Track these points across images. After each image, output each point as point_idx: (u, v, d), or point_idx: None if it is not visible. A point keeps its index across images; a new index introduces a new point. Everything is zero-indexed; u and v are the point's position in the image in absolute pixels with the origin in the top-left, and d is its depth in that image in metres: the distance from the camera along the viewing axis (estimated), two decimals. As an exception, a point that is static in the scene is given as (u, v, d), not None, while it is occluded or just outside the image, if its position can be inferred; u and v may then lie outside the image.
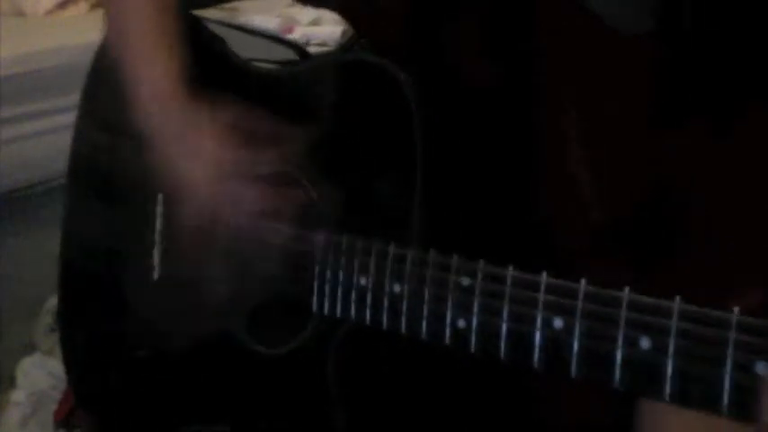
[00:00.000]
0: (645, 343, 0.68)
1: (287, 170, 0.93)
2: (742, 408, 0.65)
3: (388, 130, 0.87)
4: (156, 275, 1.05)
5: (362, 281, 0.86)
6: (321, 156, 0.92)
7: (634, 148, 0.81)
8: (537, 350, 0.74)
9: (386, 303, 0.84)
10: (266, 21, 2.12)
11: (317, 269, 0.89)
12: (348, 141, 0.91)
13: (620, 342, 0.69)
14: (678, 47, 0.78)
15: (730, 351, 0.64)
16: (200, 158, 0.91)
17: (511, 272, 0.76)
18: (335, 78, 0.93)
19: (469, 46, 0.88)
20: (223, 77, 1.04)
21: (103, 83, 1.07)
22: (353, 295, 0.87)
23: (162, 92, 0.93)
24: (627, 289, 0.69)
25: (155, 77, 0.94)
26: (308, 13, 2.27)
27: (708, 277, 0.75)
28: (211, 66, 1.04)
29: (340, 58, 0.95)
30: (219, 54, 1.04)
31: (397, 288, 0.83)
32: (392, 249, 0.84)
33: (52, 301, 1.86)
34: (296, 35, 2.11)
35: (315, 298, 0.90)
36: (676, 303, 0.67)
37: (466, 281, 0.79)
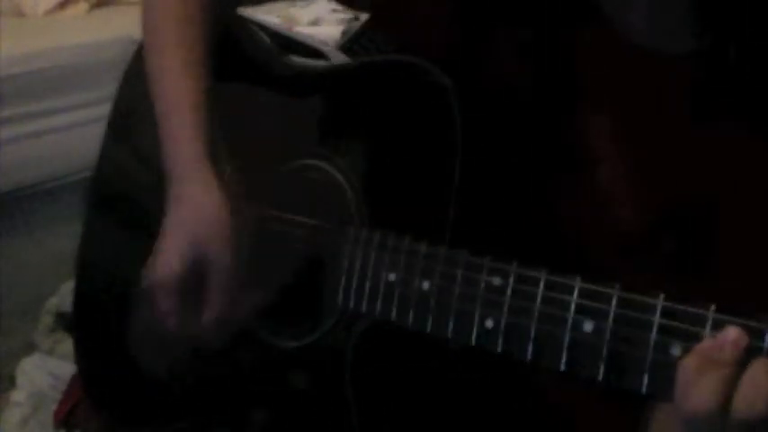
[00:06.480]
0: (675, 350, 0.68)
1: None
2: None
3: (427, 131, 0.88)
4: None
5: (391, 277, 0.86)
6: (358, 153, 0.93)
7: (672, 158, 0.81)
8: (565, 353, 0.74)
9: (413, 300, 0.84)
10: (267, 21, 2.12)
11: (345, 264, 0.90)
12: (386, 140, 0.92)
13: (651, 348, 0.69)
14: (718, 66, 0.79)
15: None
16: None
17: (544, 274, 0.76)
18: (377, 79, 0.94)
19: (509, 52, 0.88)
20: (262, 77, 1.07)
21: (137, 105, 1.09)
22: (381, 291, 0.87)
23: (181, 151, 0.98)
24: (662, 296, 0.69)
25: (175, 135, 0.99)
26: (308, 13, 2.28)
27: (742, 288, 0.74)
28: (251, 65, 1.08)
29: (385, 60, 0.96)
30: (261, 52, 1.10)
31: (425, 285, 0.83)
32: (423, 247, 0.84)
33: (52, 301, 1.86)
34: (295, 35, 2.12)
35: (341, 292, 0.90)
36: (711, 312, 0.67)
37: (497, 281, 0.78)
